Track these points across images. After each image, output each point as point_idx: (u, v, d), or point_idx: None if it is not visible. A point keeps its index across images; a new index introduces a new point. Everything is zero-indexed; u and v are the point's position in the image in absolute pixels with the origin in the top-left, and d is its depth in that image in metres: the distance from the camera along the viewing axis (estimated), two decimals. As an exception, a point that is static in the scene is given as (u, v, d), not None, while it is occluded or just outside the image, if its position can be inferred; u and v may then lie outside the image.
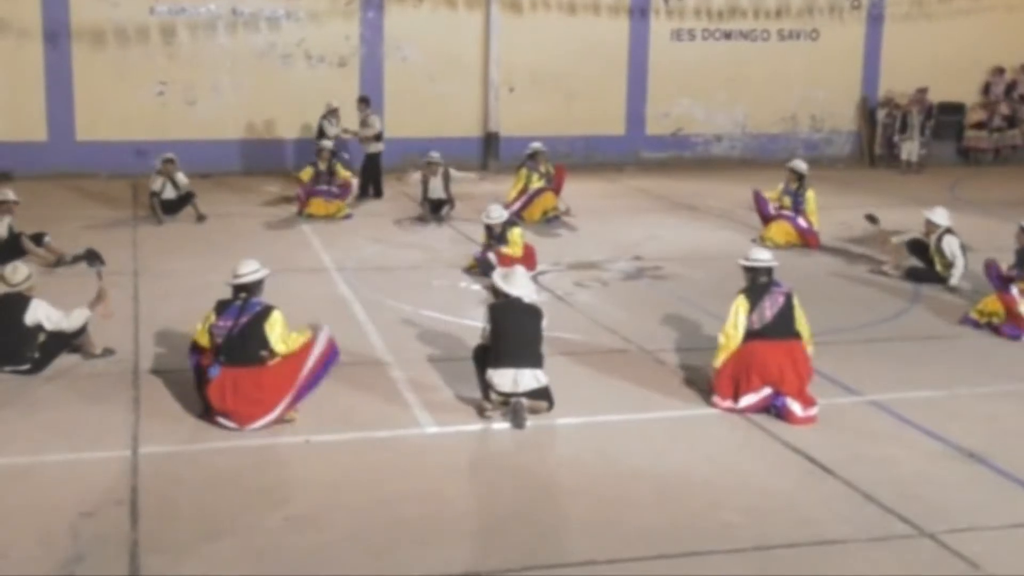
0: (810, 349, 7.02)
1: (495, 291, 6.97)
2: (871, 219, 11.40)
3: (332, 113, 15.11)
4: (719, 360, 6.95)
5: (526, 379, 6.59)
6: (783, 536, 5.29)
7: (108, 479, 5.78)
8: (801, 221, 12.02)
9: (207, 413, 6.59)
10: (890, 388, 7.43)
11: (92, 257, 8.02)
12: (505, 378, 6.59)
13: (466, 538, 5.26)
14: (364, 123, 14.75)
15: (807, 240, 11.93)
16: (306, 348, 6.61)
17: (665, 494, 5.76)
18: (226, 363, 6.47)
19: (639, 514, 5.51)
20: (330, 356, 6.70)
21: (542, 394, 6.69)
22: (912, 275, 10.51)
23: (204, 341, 6.64)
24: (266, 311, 6.53)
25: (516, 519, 5.44)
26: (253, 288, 6.63)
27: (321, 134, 14.85)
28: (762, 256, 7.12)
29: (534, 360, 6.65)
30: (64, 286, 8.98)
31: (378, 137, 14.80)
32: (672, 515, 5.51)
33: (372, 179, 14.72)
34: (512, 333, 6.62)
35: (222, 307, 6.59)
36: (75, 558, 4.95)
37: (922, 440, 6.57)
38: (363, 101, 14.96)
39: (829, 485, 5.89)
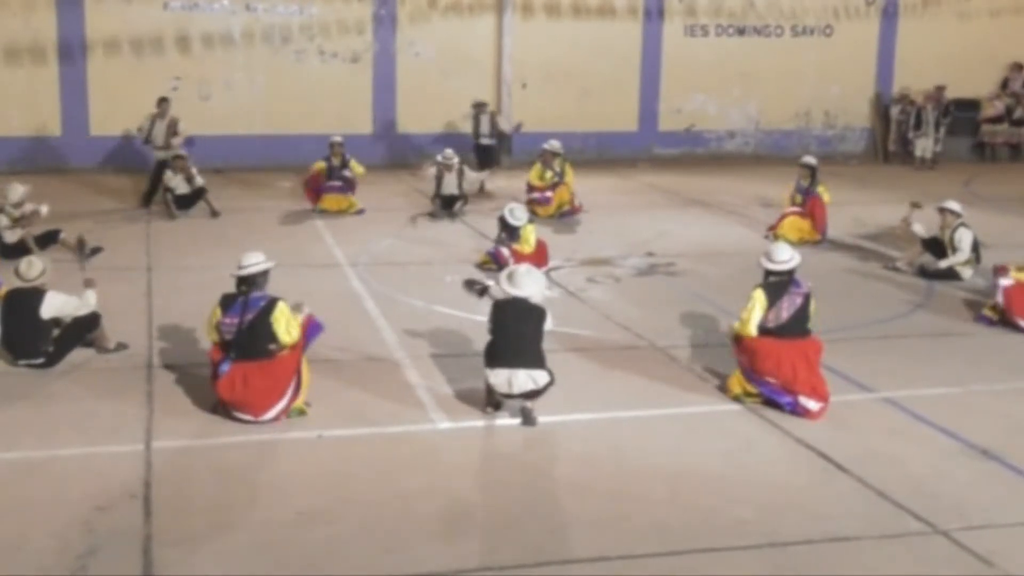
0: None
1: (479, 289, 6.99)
2: (915, 205, 11.04)
3: (480, 108, 15.17)
4: (734, 329, 6.96)
5: (520, 380, 6.51)
6: (796, 532, 5.27)
7: (122, 473, 5.79)
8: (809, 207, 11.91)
9: (220, 408, 6.60)
10: (904, 385, 7.39)
11: (92, 250, 8.09)
12: (500, 378, 6.55)
13: (478, 533, 5.25)
14: (174, 129, 13.67)
15: (813, 213, 11.73)
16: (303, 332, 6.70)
17: (678, 490, 5.74)
18: (237, 359, 6.49)
19: (651, 510, 5.49)
20: (312, 327, 6.78)
21: (538, 395, 6.61)
22: (925, 272, 10.45)
23: (213, 336, 6.67)
24: (271, 305, 6.53)
25: (528, 515, 5.43)
26: (255, 280, 6.59)
27: (478, 133, 15.07)
28: (783, 257, 6.99)
29: (531, 361, 6.55)
30: (79, 279, 8.97)
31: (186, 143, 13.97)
32: (685, 511, 5.49)
33: (156, 184, 13.60)
34: (509, 333, 6.56)
35: (227, 303, 6.60)
36: (89, 551, 4.96)
37: (936, 437, 6.53)
38: (164, 101, 13.76)
39: (842, 482, 5.87)
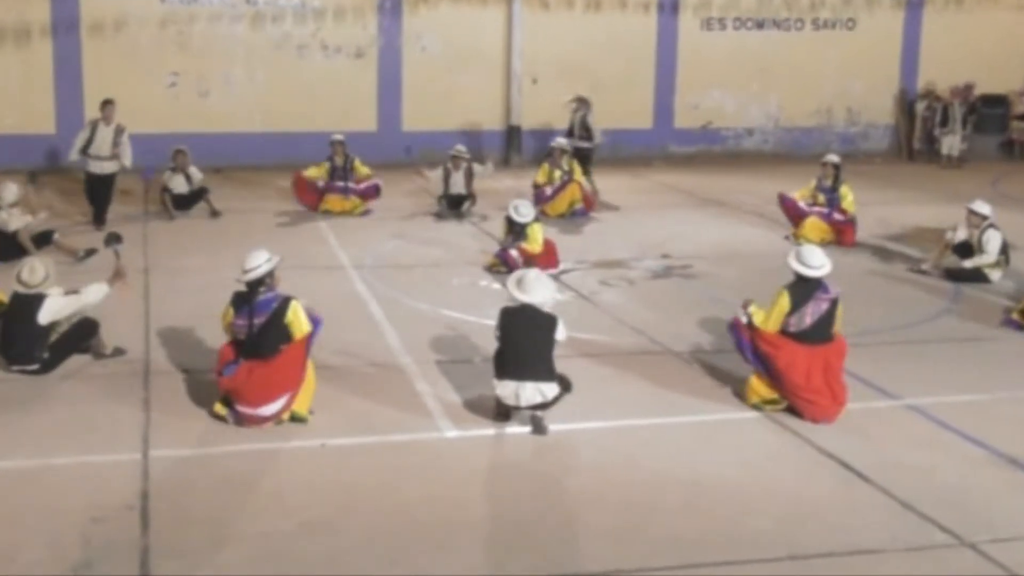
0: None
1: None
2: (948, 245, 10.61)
3: (580, 105, 14.37)
4: (755, 314, 6.77)
5: (528, 393, 6.38)
6: (817, 545, 5.17)
7: (118, 483, 5.71)
8: (836, 215, 11.77)
9: (220, 404, 6.48)
10: (929, 391, 7.25)
11: (111, 238, 7.95)
12: (507, 390, 6.43)
13: (486, 544, 5.16)
14: (118, 138, 12.09)
15: (842, 235, 11.65)
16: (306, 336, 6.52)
17: (694, 500, 5.64)
18: (247, 358, 6.39)
19: (667, 521, 5.39)
20: (316, 326, 6.57)
21: (549, 406, 6.47)
22: (951, 275, 10.23)
23: (230, 334, 6.55)
24: (283, 306, 6.40)
25: (538, 525, 5.33)
26: (263, 281, 6.46)
27: (586, 132, 14.12)
28: (816, 262, 6.74)
29: (540, 373, 6.40)
30: (82, 282, 8.84)
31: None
32: (702, 522, 5.39)
33: (101, 200, 12.15)
34: (518, 344, 6.42)
35: (238, 304, 6.49)
36: (85, 564, 4.88)
37: (962, 446, 6.40)
38: (108, 104, 12.12)
39: (865, 492, 5.76)
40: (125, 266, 7.85)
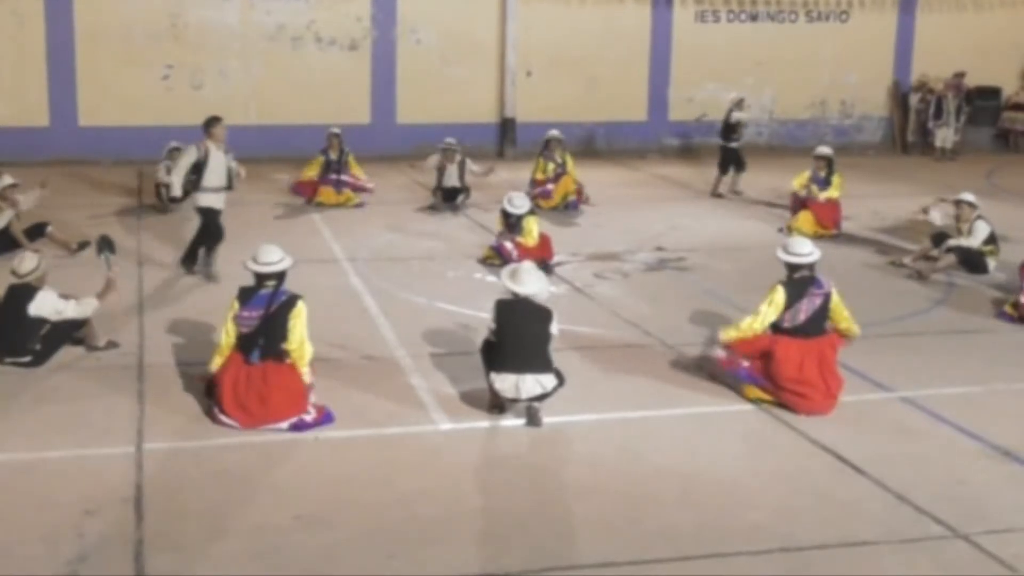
0: (850, 334, 6.91)
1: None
2: (926, 212, 10.88)
3: (739, 104, 14.43)
4: (728, 336, 6.86)
5: (528, 385, 6.38)
6: (812, 537, 5.17)
7: (113, 476, 5.68)
8: (821, 200, 11.72)
9: (213, 406, 6.44)
10: (923, 384, 7.25)
11: (102, 245, 7.91)
12: (507, 383, 6.42)
13: (481, 538, 5.16)
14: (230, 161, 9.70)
15: (823, 219, 11.57)
16: (305, 390, 6.39)
17: (689, 493, 5.63)
18: (247, 353, 6.34)
19: (661, 513, 5.39)
20: (326, 416, 6.44)
21: (546, 398, 6.47)
22: (956, 252, 10.18)
23: (229, 331, 6.41)
24: (292, 301, 6.38)
25: (533, 518, 5.32)
26: (281, 277, 6.46)
27: (728, 129, 14.11)
28: (803, 249, 6.81)
29: (538, 365, 6.42)
30: (76, 276, 8.85)
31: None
32: (696, 515, 5.39)
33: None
34: (516, 336, 6.42)
35: (246, 295, 6.42)
36: (79, 557, 4.87)
37: (957, 438, 6.40)
38: (215, 122, 9.78)
39: (860, 484, 5.76)
40: (115, 279, 7.74)
